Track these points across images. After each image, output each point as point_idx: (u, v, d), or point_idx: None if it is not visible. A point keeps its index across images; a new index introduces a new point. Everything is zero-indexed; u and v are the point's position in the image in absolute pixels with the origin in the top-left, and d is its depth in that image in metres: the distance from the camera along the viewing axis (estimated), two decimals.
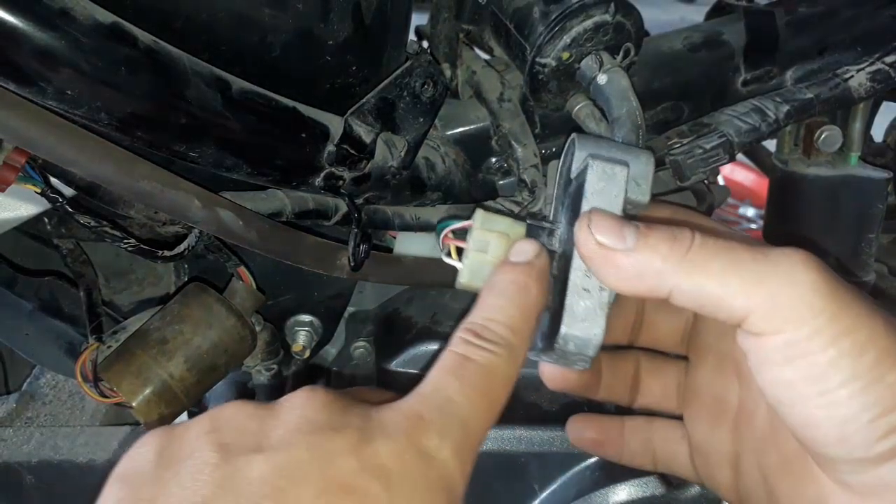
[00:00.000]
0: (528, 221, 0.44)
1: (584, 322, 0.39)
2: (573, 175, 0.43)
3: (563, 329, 0.39)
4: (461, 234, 0.44)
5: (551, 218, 0.46)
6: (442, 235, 0.44)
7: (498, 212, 0.50)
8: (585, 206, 0.39)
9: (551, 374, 0.49)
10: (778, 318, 0.36)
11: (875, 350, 0.35)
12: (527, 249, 0.42)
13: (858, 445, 0.36)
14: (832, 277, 0.37)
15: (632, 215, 0.41)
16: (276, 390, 0.70)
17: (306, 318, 0.68)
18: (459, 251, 0.44)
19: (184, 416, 0.69)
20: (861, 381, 0.35)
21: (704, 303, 0.37)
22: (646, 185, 0.42)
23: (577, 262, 0.40)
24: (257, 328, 0.62)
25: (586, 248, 0.38)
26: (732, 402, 0.47)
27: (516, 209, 0.58)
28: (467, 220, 0.44)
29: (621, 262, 0.37)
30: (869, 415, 0.35)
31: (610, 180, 0.39)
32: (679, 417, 0.52)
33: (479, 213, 0.43)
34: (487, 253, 0.43)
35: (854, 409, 0.35)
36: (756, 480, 0.45)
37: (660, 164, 0.62)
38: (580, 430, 0.54)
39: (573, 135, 0.44)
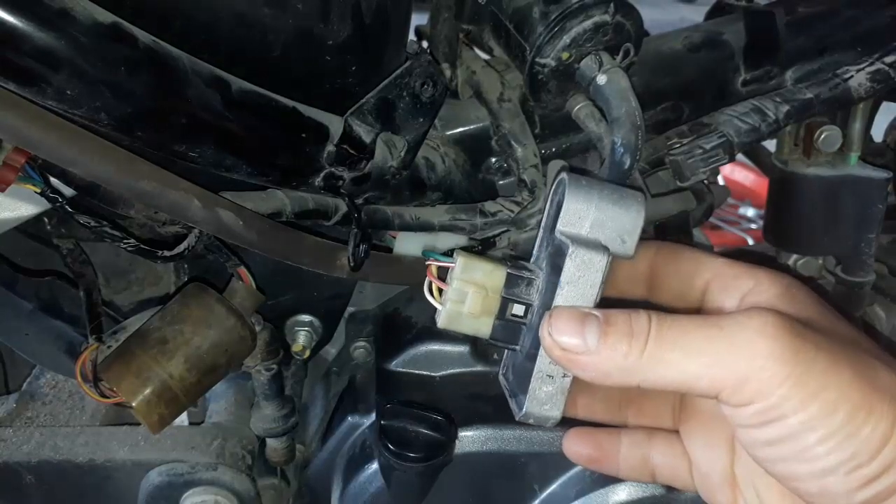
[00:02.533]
0: (508, 270, 0.44)
1: (545, 405, 0.42)
2: (560, 226, 0.42)
3: (526, 408, 0.42)
4: (444, 269, 0.45)
5: (533, 257, 0.47)
6: (427, 268, 0.45)
7: (480, 253, 0.53)
8: (558, 298, 0.40)
9: None
10: (746, 392, 0.37)
11: (846, 406, 0.36)
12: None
13: (840, 496, 0.37)
14: (793, 336, 0.37)
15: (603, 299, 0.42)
16: (275, 390, 0.70)
17: (306, 318, 0.68)
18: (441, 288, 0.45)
19: (183, 416, 0.69)
20: (836, 438, 0.36)
21: (673, 387, 0.38)
22: (631, 242, 0.42)
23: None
24: (257, 328, 0.62)
25: (550, 352, 0.40)
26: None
27: (516, 209, 0.58)
28: (450, 260, 0.45)
29: (587, 364, 0.39)
30: (846, 468, 0.36)
31: (588, 269, 0.40)
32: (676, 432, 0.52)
33: (460, 261, 0.44)
34: (464, 304, 0.44)
35: (832, 462, 0.36)
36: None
37: (660, 164, 0.62)
38: (576, 445, 0.53)
39: (563, 175, 0.43)
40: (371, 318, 0.77)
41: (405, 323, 0.73)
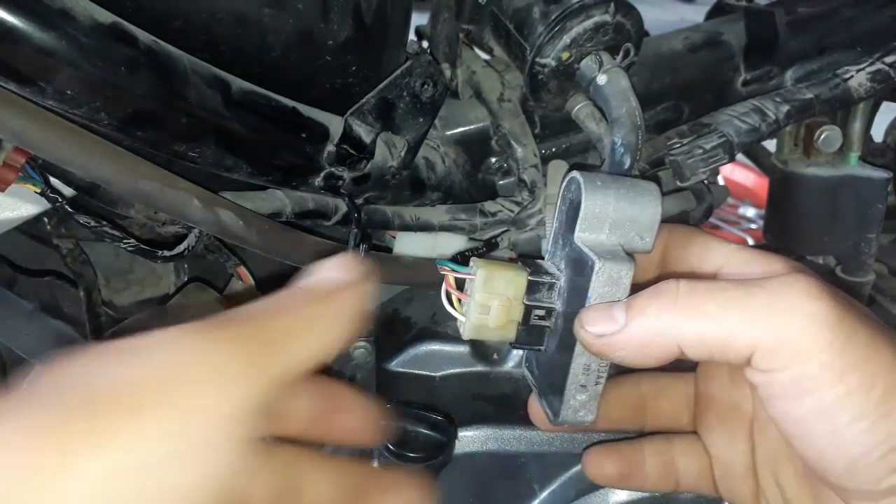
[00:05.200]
0: (529, 277, 0.44)
1: (579, 412, 0.43)
2: (579, 230, 0.42)
3: (562, 415, 0.43)
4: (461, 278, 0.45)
5: (548, 254, 0.46)
6: (444, 278, 0.45)
7: (497, 257, 0.53)
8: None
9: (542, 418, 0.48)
10: (783, 354, 0.35)
11: (883, 384, 0.35)
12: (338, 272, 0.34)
13: (868, 480, 0.36)
14: (837, 303, 0.36)
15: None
16: None
17: None
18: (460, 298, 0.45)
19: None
20: (870, 419, 0.35)
21: (711, 348, 0.37)
22: (650, 238, 0.42)
23: (579, 355, 0.41)
24: None
25: (592, 346, 0.39)
26: (747, 409, 0.46)
27: (516, 209, 0.58)
28: (467, 270, 0.44)
29: (623, 341, 0.38)
30: (878, 452, 0.35)
31: (615, 285, 0.40)
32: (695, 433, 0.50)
33: (482, 273, 0.43)
34: (489, 317, 0.44)
35: (864, 446, 0.35)
36: (775, 496, 0.44)
37: (660, 164, 0.62)
38: (600, 465, 0.50)
39: (576, 174, 0.43)
40: (371, 318, 0.77)
41: (405, 323, 0.73)
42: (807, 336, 0.35)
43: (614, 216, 0.41)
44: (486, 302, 0.43)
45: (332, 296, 0.33)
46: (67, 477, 0.20)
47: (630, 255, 0.41)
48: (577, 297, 0.41)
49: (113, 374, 0.24)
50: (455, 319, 0.45)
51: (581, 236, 0.42)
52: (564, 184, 0.45)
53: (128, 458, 0.22)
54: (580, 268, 0.41)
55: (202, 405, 0.24)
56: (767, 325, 0.35)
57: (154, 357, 0.25)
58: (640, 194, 0.42)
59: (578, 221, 0.42)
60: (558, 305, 0.44)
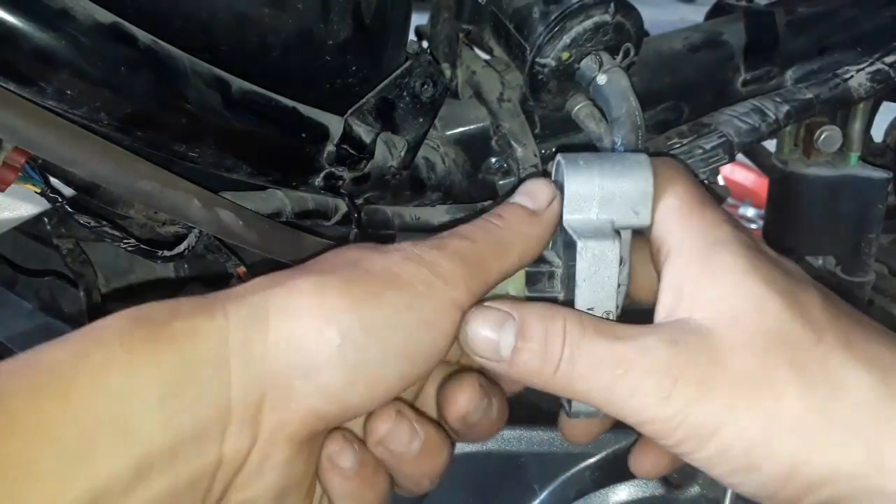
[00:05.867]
0: (527, 268, 0.43)
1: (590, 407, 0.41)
2: (566, 213, 0.41)
3: (573, 407, 0.42)
4: None
5: (550, 244, 0.46)
6: None
7: None
8: (578, 298, 0.40)
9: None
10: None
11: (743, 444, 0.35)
12: (541, 196, 0.41)
13: None
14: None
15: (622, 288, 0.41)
16: None
17: None
18: None
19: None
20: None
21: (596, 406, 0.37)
22: (645, 211, 0.41)
23: None
24: None
25: (470, 355, 0.38)
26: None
27: None
28: None
29: (502, 370, 0.37)
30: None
31: (601, 261, 0.39)
32: None
33: None
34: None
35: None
36: None
37: None
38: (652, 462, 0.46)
39: (559, 157, 0.42)
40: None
41: None
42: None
43: (601, 193, 0.40)
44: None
45: (533, 217, 0.40)
46: (332, 314, 0.33)
47: (617, 231, 0.40)
48: (572, 282, 0.40)
49: (376, 266, 0.35)
50: None
51: (568, 218, 0.41)
52: (553, 168, 0.44)
53: (379, 313, 0.34)
54: (572, 251, 0.40)
55: (433, 297, 0.35)
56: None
57: (401, 261, 0.36)
58: (628, 168, 0.41)
59: (564, 203, 0.41)
60: (560, 294, 0.44)
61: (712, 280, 0.37)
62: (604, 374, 0.35)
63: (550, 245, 0.45)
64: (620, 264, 0.40)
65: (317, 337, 0.32)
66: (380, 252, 0.36)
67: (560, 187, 0.42)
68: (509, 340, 0.37)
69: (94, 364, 0.29)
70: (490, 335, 0.37)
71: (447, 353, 0.37)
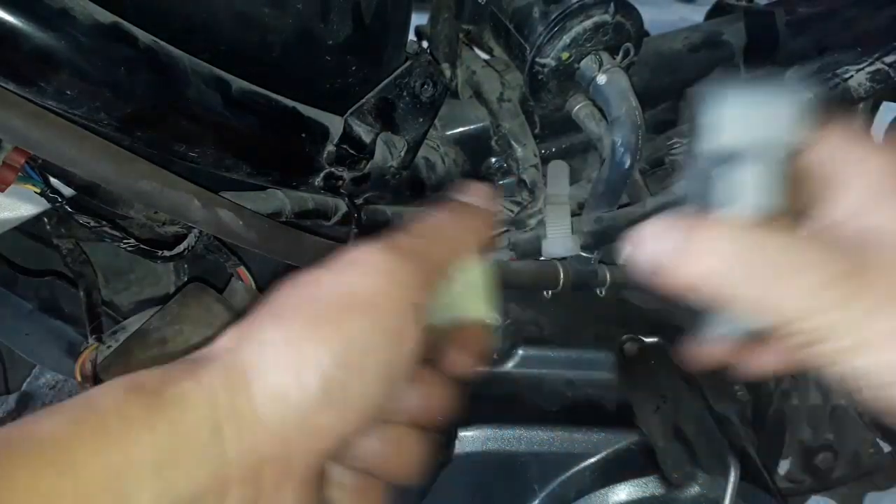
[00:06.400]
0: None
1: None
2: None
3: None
4: None
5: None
6: None
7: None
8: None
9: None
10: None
11: None
12: (481, 193, 0.42)
13: None
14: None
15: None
16: None
17: None
18: None
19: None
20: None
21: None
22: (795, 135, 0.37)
23: None
24: None
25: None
26: None
27: (516, 209, 0.58)
28: None
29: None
30: None
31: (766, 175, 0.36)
32: None
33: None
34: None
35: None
36: None
37: (660, 164, 0.62)
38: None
39: (700, 90, 0.40)
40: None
41: None
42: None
43: (752, 121, 0.37)
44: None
45: (474, 216, 0.42)
46: (306, 360, 0.33)
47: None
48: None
49: (332, 293, 0.36)
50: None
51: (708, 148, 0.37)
52: (695, 106, 0.41)
53: (349, 344, 0.34)
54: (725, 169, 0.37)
55: (392, 307, 0.35)
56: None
57: (355, 276, 0.36)
58: (774, 95, 0.37)
59: (707, 135, 0.37)
60: None
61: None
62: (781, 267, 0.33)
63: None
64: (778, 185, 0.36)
65: (298, 386, 0.33)
66: (334, 274, 0.37)
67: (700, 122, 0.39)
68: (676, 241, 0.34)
69: (92, 436, 0.29)
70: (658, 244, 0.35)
71: (419, 351, 0.37)
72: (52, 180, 0.48)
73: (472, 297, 0.43)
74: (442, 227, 0.41)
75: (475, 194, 0.42)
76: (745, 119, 0.38)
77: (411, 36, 0.61)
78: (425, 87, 0.52)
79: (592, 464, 0.64)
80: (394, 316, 0.35)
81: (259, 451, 0.32)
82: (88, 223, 0.51)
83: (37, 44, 0.36)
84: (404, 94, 0.52)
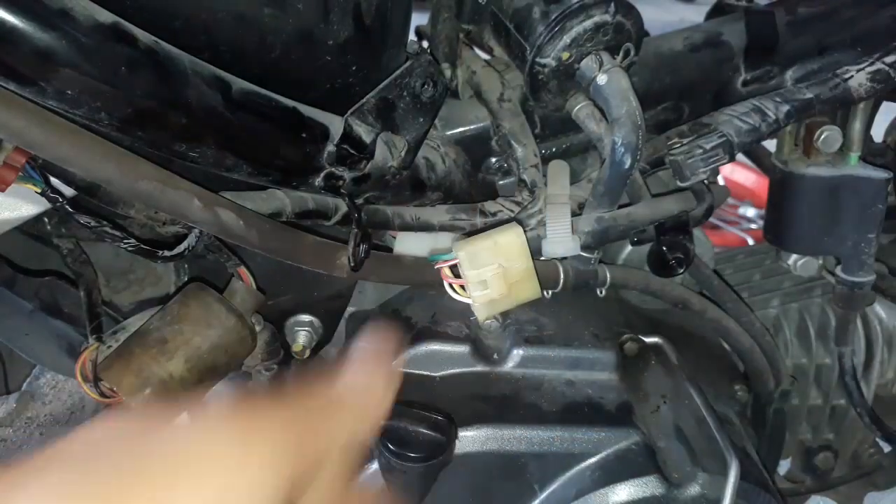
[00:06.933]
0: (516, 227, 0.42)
1: None
2: None
3: None
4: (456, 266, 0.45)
5: None
6: (442, 275, 0.44)
7: (474, 231, 0.50)
8: None
9: None
10: None
11: None
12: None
13: None
14: None
15: None
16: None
17: (306, 318, 0.68)
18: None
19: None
20: None
21: None
22: None
23: None
24: (257, 328, 0.62)
25: None
26: None
27: (516, 209, 0.58)
28: (452, 255, 0.44)
29: None
30: None
31: None
32: None
33: (462, 254, 0.43)
34: (490, 290, 0.44)
35: None
36: None
37: (660, 164, 0.62)
38: None
39: None
40: (371, 318, 0.77)
41: (405, 323, 0.73)
42: None
43: None
44: (479, 278, 0.43)
45: (363, 394, 0.35)
46: None
47: None
48: None
49: (157, 453, 0.27)
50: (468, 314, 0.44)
51: None
52: None
53: None
54: None
55: (233, 485, 0.27)
56: None
57: (196, 441, 0.28)
58: None
59: None
60: None
61: None
62: None
63: None
64: None
65: None
66: (172, 438, 0.29)
67: None
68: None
69: None
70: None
71: None
72: (53, 180, 0.48)
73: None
74: (327, 402, 0.34)
75: (378, 342, 0.37)
76: None
77: (411, 36, 0.61)
78: (425, 87, 0.52)
79: (592, 464, 0.63)
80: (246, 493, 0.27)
81: None
82: (89, 223, 0.51)
83: (37, 44, 0.36)
84: (404, 93, 0.52)
